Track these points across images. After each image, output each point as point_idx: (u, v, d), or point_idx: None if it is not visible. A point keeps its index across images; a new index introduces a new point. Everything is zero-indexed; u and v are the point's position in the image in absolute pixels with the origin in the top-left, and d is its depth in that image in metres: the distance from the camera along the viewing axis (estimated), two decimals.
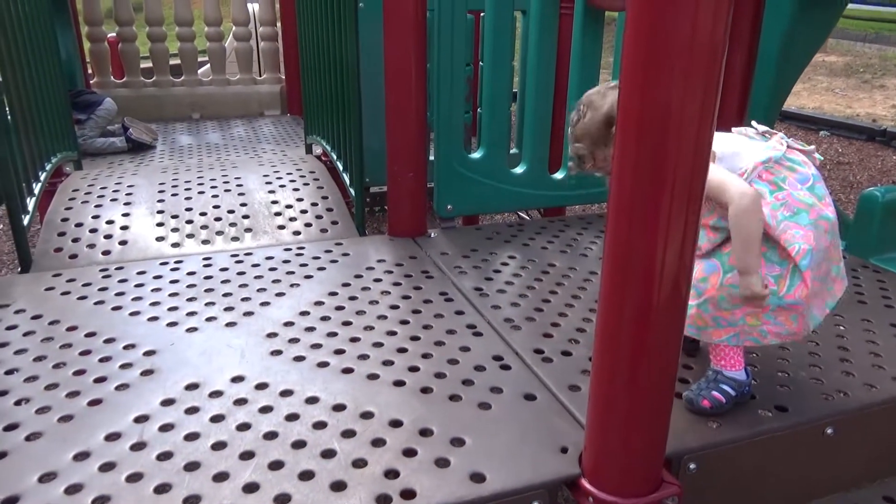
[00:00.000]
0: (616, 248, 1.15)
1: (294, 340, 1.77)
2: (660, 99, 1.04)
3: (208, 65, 5.15)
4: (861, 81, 9.97)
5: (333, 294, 2.04)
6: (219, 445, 1.36)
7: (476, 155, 2.63)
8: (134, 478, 1.27)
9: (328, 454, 1.34)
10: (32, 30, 2.80)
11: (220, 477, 1.27)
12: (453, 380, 1.60)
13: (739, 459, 1.48)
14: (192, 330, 1.81)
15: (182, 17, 4.79)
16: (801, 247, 1.39)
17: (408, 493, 1.25)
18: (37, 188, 2.55)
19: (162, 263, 2.23)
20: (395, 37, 2.32)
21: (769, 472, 1.52)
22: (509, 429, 1.44)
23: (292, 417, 1.45)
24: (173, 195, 2.77)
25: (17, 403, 1.48)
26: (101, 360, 1.65)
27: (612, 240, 1.15)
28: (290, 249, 2.37)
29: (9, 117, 2.32)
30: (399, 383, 1.58)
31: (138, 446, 1.35)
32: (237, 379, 1.59)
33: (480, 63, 3.56)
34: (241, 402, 1.50)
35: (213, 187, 2.87)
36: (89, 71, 4.77)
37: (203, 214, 2.63)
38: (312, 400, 1.51)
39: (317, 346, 1.74)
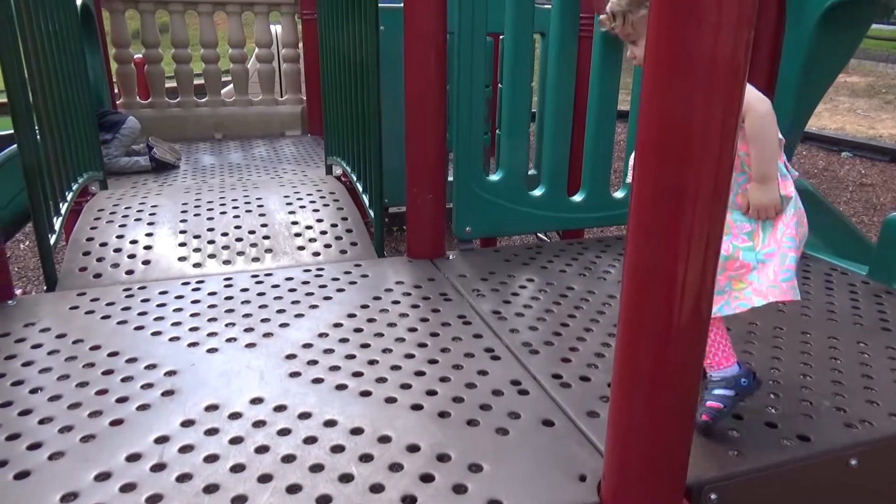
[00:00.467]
0: (636, 270, 1.15)
1: (313, 362, 1.78)
2: (681, 120, 1.04)
3: (231, 85, 5.24)
4: (884, 102, 9.88)
5: (352, 316, 2.05)
6: (238, 468, 1.36)
7: (495, 177, 2.65)
8: (154, 499, 1.28)
9: (346, 478, 1.34)
10: (62, 52, 2.88)
11: (239, 500, 1.28)
12: (471, 404, 1.60)
13: (761, 490, 1.45)
14: (212, 350, 1.83)
15: (207, 39, 4.89)
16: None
17: None
18: (63, 208, 2.60)
19: (184, 283, 2.26)
20: (416, 59, 2.35)
21: (791, 502, 1.50)
22: (527, 455, 1.43)
23: (310, 440, 1.45)
24: (196, 215, 2.81)
25: (41, 422, 1.50)
26: (123, 380, 1.67)
27: (631, 262, 1.15)
28: (309, 270, 2.39)
29: (38, 137, 2.38)
30: (417, 407, 1.58)
31: (158, 467, 1.36)
32: (256, 401, 1.60)
33: (499, 85, 3.60)
34: (259, 424, 1.51)
35: (234, 207, 2.91)
36: (116, 91, 4.87)
37: (224, 235, 2.66)
38: (330, 423, 1.51)
39: (335, 368, 1.75)
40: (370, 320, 2.03)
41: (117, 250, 2.51)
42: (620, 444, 1.26)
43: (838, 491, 1.53)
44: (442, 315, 2.08)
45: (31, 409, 1.54)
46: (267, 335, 1.93)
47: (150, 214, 2.81)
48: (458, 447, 1.44)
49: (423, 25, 2.31)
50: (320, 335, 1.93)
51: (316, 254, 2.59)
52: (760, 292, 1.44)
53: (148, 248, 2.54)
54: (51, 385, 1.65)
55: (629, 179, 1.62)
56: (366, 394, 1.64)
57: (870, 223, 5.26)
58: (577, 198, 2.81)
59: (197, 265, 2.46)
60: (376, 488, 1.32)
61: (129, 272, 2.38)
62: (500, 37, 3.38)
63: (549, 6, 3.32)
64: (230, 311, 2.07)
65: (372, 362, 1.79)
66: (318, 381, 1.69)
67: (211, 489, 1.31)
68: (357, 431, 1.49)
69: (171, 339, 1.89)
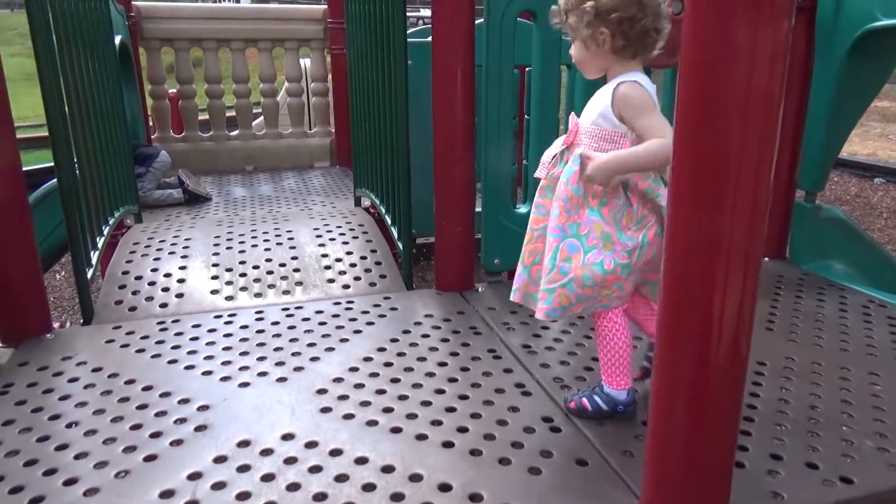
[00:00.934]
0: (670, 307, 1.14)
1: (343, 397, 1.78)
2: (715, 156, 1.04)
3: (261, 118, 5.35)
4: None
5: (382, 350, 2.05)
6: None
7: (523, 209, 2.65)
8: None
9: None
10: (101, 90, 2.97)
11: None
12: (503, 441, 1.58)
13: None
14: (244, 385, 1.85)
15: (238, 75, 5.01)
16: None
17: None
18: (100, 241, 2.66)
19: (216, 316, 2.29)
20: (444, 93, 2.38)
21: None
22: (560, 496, 1.41)
23: (342, 478, 1.45)
24: (228, 248, 2.86)
25: (77, 457, 1.52)
26: (156, 415, 1.69)
27: (666, 298, 1.14)
28: (339, 303, 2.41)
29: (77, 172, 2.45)
30: (448, 444, 1.57)
31: None
32: (287, 437, 1.60)
33: (526, 116, 3.62)
34: (291, 460, 1.51)
35: (265, 240, 2.95)
36: (150, 125, 5.00)
37: (256, 268, 2.70)
38: (362, 460, 1.51)
39: (366, 403, 1.75)
40: (400, 354, 2.03)
41: (152, 283, 2.55)
42: (656, 486, 1.23)
43: None
44: (472, 349, 2.07)
45: (67, 444, 1.56)
46: (298, 369, 1.93)
47: (184, 247, 2.86)
48: (490, 487, 1.42)
49: (451, 59, 2.34)
50: (351, 369, 1.93)
51: (346, 286, 2.61)
52: (621, 299, 1.62)
53: (181, 280, 2.58)
54: (86, 419, 1.67)
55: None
56: (397, 430, 1.63)
57: None
58: None
59: (229, 298, 2.49)
60: None
61: (164, 305, 2.42)
62: (527, 69, 3.42)
63: None
64: (261, 344, 2.09)
65: (402, 397, 1.78)
66: (348, 416, 1.69)
67: None
68: (388, 469, 1.48)
69: (203, 373, 1.91)
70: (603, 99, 1.57)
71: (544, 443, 1.58)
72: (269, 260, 2.77)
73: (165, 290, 2.52)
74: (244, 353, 2.03)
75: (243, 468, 1.48)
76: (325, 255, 2.82)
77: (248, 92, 5.12)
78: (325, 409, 1.72)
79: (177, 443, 1.58)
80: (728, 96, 1.01)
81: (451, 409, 1.72)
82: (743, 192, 1.05)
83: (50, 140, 2.24)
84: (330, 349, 2.06)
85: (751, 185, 1.05)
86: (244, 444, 1.58)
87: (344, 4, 3.63)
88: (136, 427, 1.64)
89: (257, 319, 2.27)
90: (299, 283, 2.61)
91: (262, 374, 1.91)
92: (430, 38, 2.44)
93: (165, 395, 1.79)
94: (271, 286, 2.59)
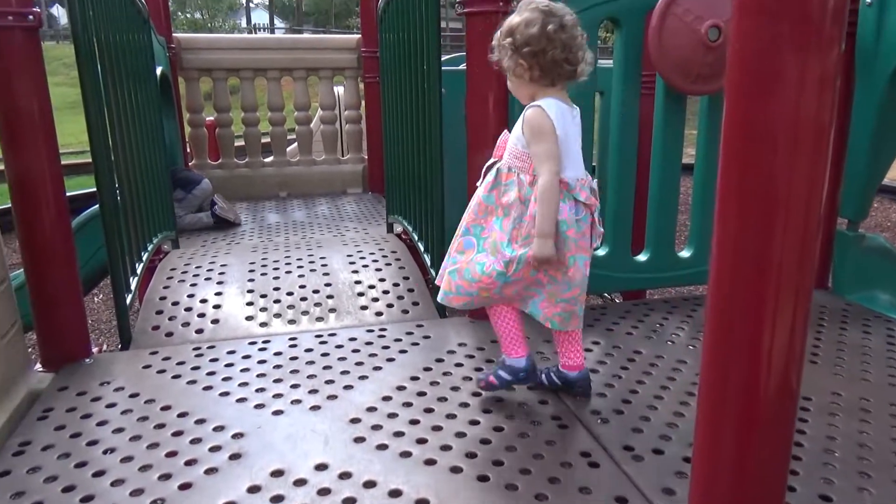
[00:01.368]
0: (717, 342, 1.10)
1: (377, 427, 1.76)
2: (763, 185, 1.01)
3: (295, 144, 5.44)
4: None
5: (415, 379, 2.04)
6: None
7: None
8: None
9: None
10: (143, 118, 3.05)
11: None
12: (539, 477, 1.55)
13: None
14: (277, 413, 1.84)
15: (274, 103, 5.11)
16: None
17: None
18: (139, 267, 2.71)
19: (251, 343, 2.30)
20: (478, 120, 2.39)
21: None
22: None
23: None
24: (262, 274, 2.88)
25: (113, 484, 1.53)
26: (191, 442, 1.70)
27: (712, 331, 1.10)
28: (372, 331, 2.40)
29: (118, 199, 2.50)
30: (483, 478, 1.54)
31: None
32: (321, 467, 1.59)
33: None
34: (324, 491, 1.50)
35: (299, 267, 2.97)
36: (188, 151, 5.12)
37: (290, 294, 2.71)
38: (395, 493, 1.49)
39: (399, 434, 1.73)
40: (433, 383, 2.01)
41: (188, 309, 2.58)
42: None
43: None
44: None
45: (104, 471, 1.57)
46: (331, 397, 1.93)
47: (220, 273, 2.89)
48: None
49: (486, 87, 2.35)
50: (384, 398, 1.92)
51: (379, 313, 2.61)
52: (501, 300, 1.83)
53: (217, 307, 2.61)
54: (123, 445, 1.68)
55: None
56: (430, 462, 1.61)
57: None
58: (641, 257, 2.76)
59: (263, 324, 2.51)
60: None
61: (199, 331, 2.44)
62: None
63: (608, 64, 3.35)
64: (295, 371, 2.09)
65: (436, 428, 1.76)
66: (382, 447, 1.67)
67: None
68: (422, 503, 1.45)
69: (238, 400, 1.91)
70: (519, 120, 1.76)
71: (582, 479, 1.54)
72: (302, 286, 2.78)
73: (201, 315, 2.54)
74: (278, 381, 2.03)
75: (277, 498, 1.47)
76: (358, 282, 2.82)
77: (283, 120, 5.22)
78: (359, 439, 1.71)
79: (211, 471, 1.58)
80: (776, 124, 0.99)
81: (485, 441, 1.69)
82: (793, 222, 1.02)
83: (93, 167, 2.30)
84: (363, 377, 2.05)
85: (801, 215, 1.02)
86: (278, 473, 1.57)
87: (378, 33, 3.69)
88: (172, 454, 1.64)
89: (291, 346, 2.27)
90: (332, 310, 2.61)
91: (296, 401, 1.90)
92: (463, 67, 2.45)
93: (200, 421, 1.79)
94: (305, 312, 2.60)
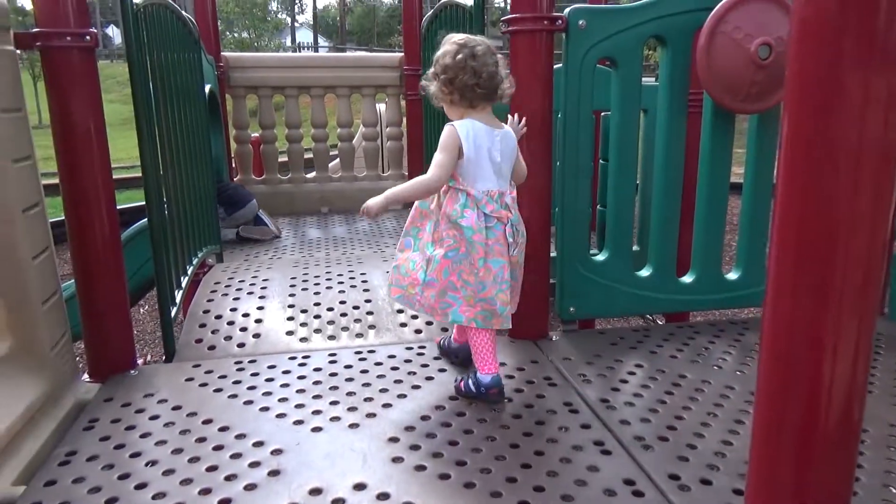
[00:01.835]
0: (773, 370, 1.06)
1: (415, 447, 1.74)
2: (824, 208, 0.97)
3: (337, 160, 5.51)
4: None
5: (454, 399, 2.01)
6: None
7: (601, 257, 2.58)
8: None
9: None
10: (191, 135, 3.12)
11: None
12: None
13: None
14: (317, 430, 1.84)
15: (317, 120, 5.19)
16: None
17: None
18: (184, 281, 2.75)
19: (291, 358, 2.31)
20: (523, 141, 2.36)
21: None
22: None
23: None
24: (303, 289, 2.90)
25: (154, 497, 1.54)
26: (231, 457, 1.70)
27: (768, 358, 1.06)
28: (411, 348, 2.39)
29: (166, 213, 2.55)
30: None
31: None
32: (359, 486, 1.57)
33: (600, 161, 3.57)
34: None
35: (339, 282, 2.98)
36: (233, 166, 5.22)
37: (330, 310, 2.72)
38: None
39: (438, 454, 1.71)
40: (472, 404, 1.98)
41: (230, 323, 2.61)
42: None
43: None
44: (547, 401, 2.00)
45: (146, 483, 1.59)
46: (370, 415, 1.92)
47: (262, 288, 2.92)
48: None
49: (530, 105, 2.33)
50: (423, 418, 1.90)
51: (418, 331, 2.59)
52: (423, 305, 2.00)
53: (258, 321, 2.63)
54: (165, 458, 1.70)
55: None
56: (469, 485, 1.58)
57: None
58: (687, 279, 2.69)
59: (303, 339, 2.52)
60: None
61: (241, 345, 2.46)
62: (601, 114, 3.39)
63: (652, 82, 3.31)
64: (334, 388, 2.09)
65: (475, 450, 1.73)
66: (420, 468, 1.65)
67: None
68: None
69: (277, 416, 1.91)
70: None
71: None
72: (342, 302, 2.79)
73: (243, 329, 2.57)
74: (317, 397, 2.03)
75: None
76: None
77: (326, 136, 5.29)
78: (397, 459, 1.69)
79: (251, 487, 1.58)
80: (838, 145, 0.95)
81: (526, 466, 1.66)
82: (856, 247, 0.97)
83: (143, 182, 2.35)
84: (402, 395, 2.03)
85: (865, 239, 0.97)
86: (316, 491, 1.56)
87: (421, 51, 3.72)
88: (212, 469, 1.65)
89: (330, 362, 2.27)
90: (372, 327, 2.61)
91: (335, 418, 1.90)
92: None
93: (241, 436, 1.80)
94: (345, 328, 2.60)
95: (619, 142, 2.53)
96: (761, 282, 2.88)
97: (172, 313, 2.44)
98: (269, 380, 2.14)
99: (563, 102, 2.40)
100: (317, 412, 1.93)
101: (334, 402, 1.99)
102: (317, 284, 2.97)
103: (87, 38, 2.03)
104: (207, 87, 3.81)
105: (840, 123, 0.95)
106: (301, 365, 2.25)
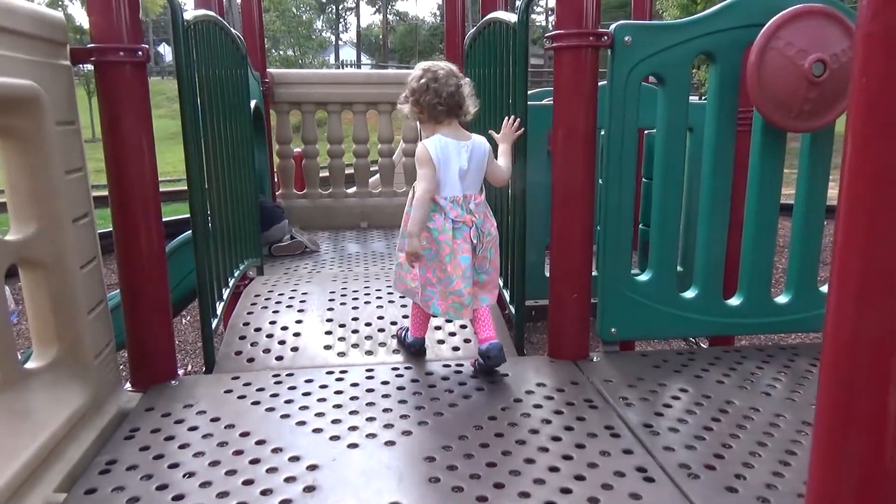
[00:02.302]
0: (833, 404, 1.00)
1: (452, 468, 1.71)
2: (891, 237, 0.92)
3: (377, 176, 5.54)
4: None
5: (492, 419, 1.98)
6: None
7: (644, 277, 2.53)
8: None
9: None
10: (236, 150, 3.17)
11: None
12: None
13: None
14: (353, 446, 1.82)
15: (359, 136, 5.24)
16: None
17: None
18: (226, 293, 2.78)
19: (328, 372, 2.30)
20: (566, 158, 2.33)
21: None
22: None
23: None
24: (342, 304, 2.91)
25: None
26: (268, 471, 1.69)
27: (827, 392, 1.00)
28: (448, 366, 2.36)
29: (210, 226, 2.59)
30: None
31: None
32: None
33: (643, 180, 3.50)
34: None
35: (378, 297, 2.98)
36: (275, 180, 5.30)
37: (368, 325, 2.72)
38: None
39: (475, 476, 1.67)
40: (511, 424, 1.94)
41: (269, 336, 2.63)
42: None
43: None
44: (587, 424, 1.95)
45: (183, 495, 1.59)
46: (406, 433, 1.89)
47: (301, 301, 2.94)
48: None
49: (574, 122, 2.31)
50: (460, 437, 1.87)
51: (455, 348, 2.57)
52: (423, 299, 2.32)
53: (297, 334, 2.64)
54: (202, 470, 1.70)
55: None
56: None
57: None
58: (734, 301, 2.61)
59: (341, 354, 2.51)
60: None
61: (279, 358, 2.47)
62: (646, 132, 3.33)
63: (698, 100, 3.24)
64: (371, 404, 2.07)
65: (514, 472, 1.69)
66: (457, 489, 1.62)
67: None
68: None
69: (314, 430, 1.91)
70: None
71: None
72: (380, 317, 2.78)
73: (282, 343, 2.58)
74: (354, 413, 2.01)
75: None
76: (434, 316, 2.79)
77: (367, 152, 5.33)
78: (433, 479, 1.66)
79: (286, 503, 1.56)
80: None
81: (566, 491, 1.61)
82: None
83: (188, 195, 2.39)
84: (439, 414, 2.01)
85: None
86: None
87: (463, 68, 3.72)
88: (248, 482, 1.64)
89: (367, 378, 2.26)
90: None
91: (371, 435, 1.88)
92: (546, 101, 2.42)
93: (277, 450, 1.79)
94: (382, 344, 2.59)
95: (664, 160, 2.47)
96: (813, 306, 2.77)
97: (213, 325, 2.47)
98: (307, 394, 2.14)
99: (608, 120, 2.37)
100: (353, 428, 1.92)
101: (371, 419, 1.97)
102: (355, 299, 2.97)
103: (139, 53, 2.08)
104: (253, 103, 3.88)
105: None
106: (338, 380, 2.25)
